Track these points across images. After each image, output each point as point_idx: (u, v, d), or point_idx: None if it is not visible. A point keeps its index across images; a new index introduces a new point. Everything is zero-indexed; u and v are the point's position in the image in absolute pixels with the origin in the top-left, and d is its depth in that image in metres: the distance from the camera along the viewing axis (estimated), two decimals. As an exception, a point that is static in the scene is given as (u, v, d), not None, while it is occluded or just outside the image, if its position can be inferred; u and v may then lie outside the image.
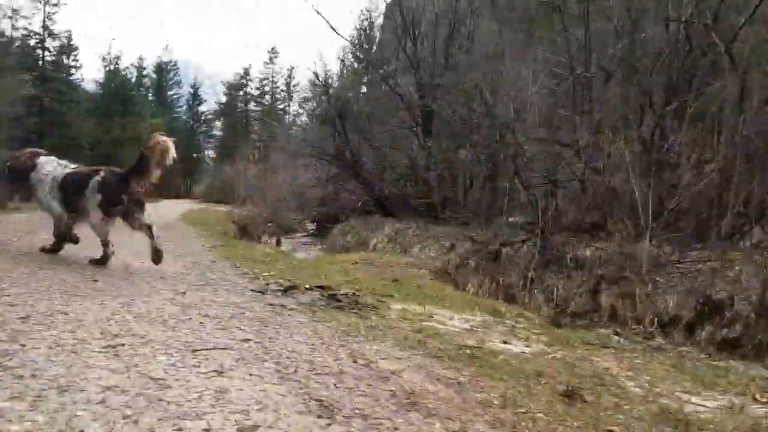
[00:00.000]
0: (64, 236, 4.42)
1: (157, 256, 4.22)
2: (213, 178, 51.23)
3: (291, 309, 3.31)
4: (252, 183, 29.92)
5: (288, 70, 56.07)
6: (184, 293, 3.54)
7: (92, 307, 2.84)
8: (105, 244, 4.19)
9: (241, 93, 56.27)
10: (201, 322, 2.74)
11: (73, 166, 4.45)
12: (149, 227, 4.17)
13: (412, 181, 19.19)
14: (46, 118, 28.12)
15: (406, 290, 4.82)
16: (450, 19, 16.71)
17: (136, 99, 41.51)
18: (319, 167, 22.78)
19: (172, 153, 4.06)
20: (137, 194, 4.13)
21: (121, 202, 4.07)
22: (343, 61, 39.77)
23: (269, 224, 14.14)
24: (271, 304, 3.39)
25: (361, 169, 19.82)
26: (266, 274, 4.74)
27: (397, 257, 8.66)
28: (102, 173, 4.10)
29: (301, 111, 53.50)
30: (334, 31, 30.86)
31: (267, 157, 32.89)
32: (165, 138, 4.11)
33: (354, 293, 4.03)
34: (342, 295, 3.86)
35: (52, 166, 4.31)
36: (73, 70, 33.19)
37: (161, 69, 51.79)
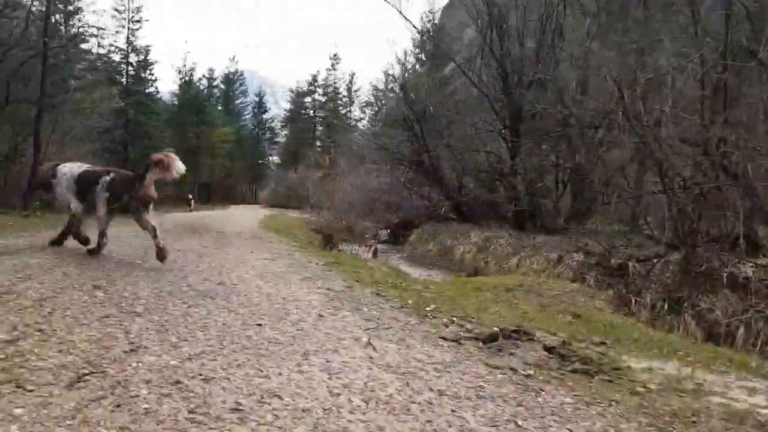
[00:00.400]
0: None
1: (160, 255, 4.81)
2: (277, 184, 52.19)
3: (529, 376, 2.50)
4: (320, 189, 29.80)
5: (349, 75, 56.33)
6: (370, 344, 2.83)
7: (298, 380, 2.17)
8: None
9: (309, 100, 57.10)
10: (453, 410, 1.97)
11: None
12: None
13: (496, 185, 18.01)
14: (131, 131, 29.43)
15: (605, 331, 3.89)
16: (541, 13, 15.46)
17: (208, 109, 42.95)
18: (392, 172, 22.07)
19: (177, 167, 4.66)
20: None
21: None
22: (403, 64, 39.33)
23: (368, 238, 13.58)
24: (497, 367, 2.59)
25: (440, 173, 18.89)
26: (428, 308, 3.98)
27: (550, 280, 7.70)
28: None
29: (362, 116, 53.56)
30: (417, 30, 30.22)
31: (335, 163, 32.74)
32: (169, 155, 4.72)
33: (564, 342, 3.16)
34: (561, 347, 3.00)
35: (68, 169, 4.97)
36: (149, 83, 34.62)
37: (229, 79, 53.48)
